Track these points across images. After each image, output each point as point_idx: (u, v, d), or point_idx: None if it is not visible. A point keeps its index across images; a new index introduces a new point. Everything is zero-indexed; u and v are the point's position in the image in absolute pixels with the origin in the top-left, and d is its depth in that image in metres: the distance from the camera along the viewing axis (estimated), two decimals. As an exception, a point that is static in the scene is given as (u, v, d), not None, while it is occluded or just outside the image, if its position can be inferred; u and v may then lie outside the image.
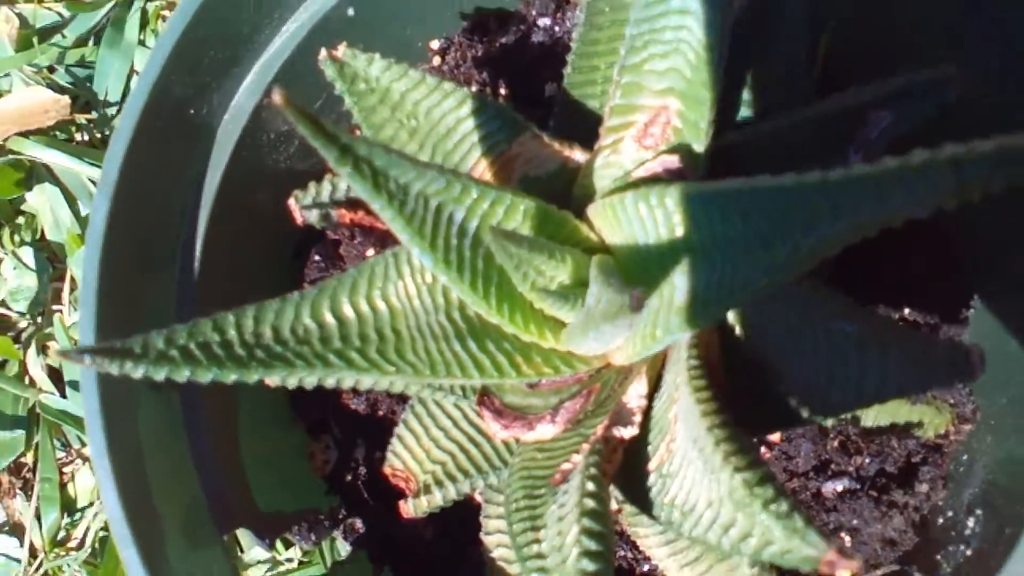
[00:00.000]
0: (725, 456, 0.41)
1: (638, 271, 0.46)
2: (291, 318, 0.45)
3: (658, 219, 0.43)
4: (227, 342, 0.43)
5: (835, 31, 0.56)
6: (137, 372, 0.40)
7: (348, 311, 0.46)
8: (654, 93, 0.46)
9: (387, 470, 0.58)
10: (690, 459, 0.45)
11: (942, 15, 0.51)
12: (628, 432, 0.48)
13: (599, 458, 0.45)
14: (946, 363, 0.40)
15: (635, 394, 0.50)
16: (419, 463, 0.57)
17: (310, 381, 0.53)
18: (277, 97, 0.37)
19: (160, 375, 0.41)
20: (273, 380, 0.43)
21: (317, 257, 0.63)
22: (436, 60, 0.65)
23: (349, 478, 0.62)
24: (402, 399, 0.63)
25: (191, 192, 0.55)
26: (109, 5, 0.88)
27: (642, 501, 0.47)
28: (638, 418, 0.48)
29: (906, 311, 0.56)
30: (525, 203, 0.46)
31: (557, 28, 0.62)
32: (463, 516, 0.60)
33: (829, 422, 0.57)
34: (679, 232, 0.41)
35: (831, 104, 0.47)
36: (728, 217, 0.39)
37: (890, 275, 0.57)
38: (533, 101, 0.62)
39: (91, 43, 0.88)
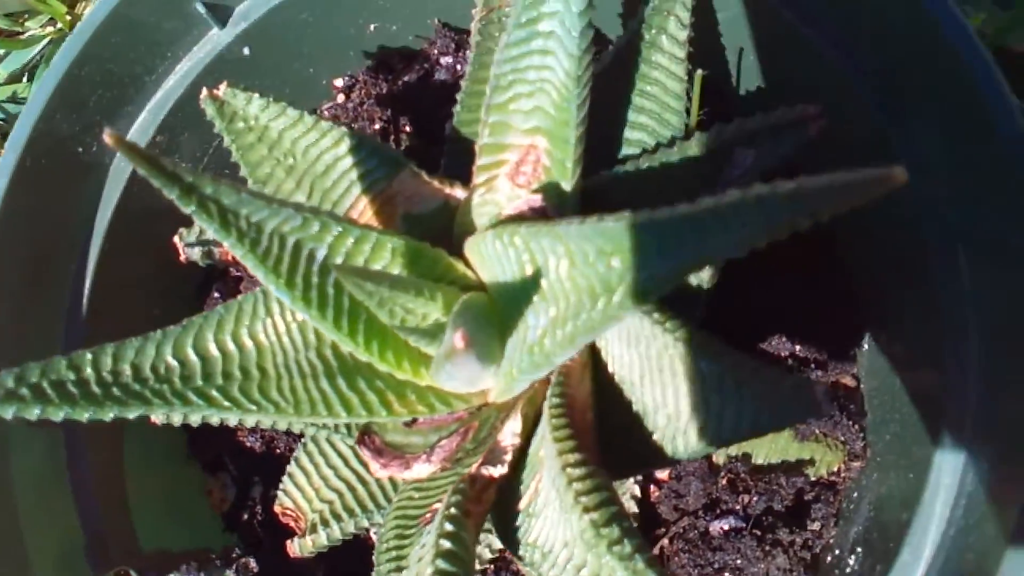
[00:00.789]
0: (576, 496, 0.41)
1: (506, 309, 0.46)
2: (152, 356, 0.45)
3: (511, 257, 0.43)
4: (82, 380, 0.43)
5: (712, 71, 0.57)
6: (-18, 410, 0.40)
7: (212, 349, 0.46)
8: (522, 132, 0.47)
9: (277, 508, 0.57)
10: (550, 499, 0.45)
11: (812, 60, 0.52)
12: (498, 471, 0.47)
13: (461, 497, 0.45)
14: (793, 399, 0.39)
15: (510, 432, 0.50)
16: (308, 502, 0.57)
17: (175, 419, 0.54)
18: (108, 137, 0.37)
19: (7, 413, 0.40)
20: (131, 417, 0.43)
21: (217, 295, 0.63)
22: (340, 98, 0.65)
23: (246, 516, 0.61)
24: (299, 437, 0.63)
25: (81, 230, 0.55)
26: (44, 42, 0.89)
27: (511, 541, 0.47)
28: (509, 457, 0.48)
29: (798, 348, 0.56)
30: (393, 241, 0.46)
31: (459, 66, 0.63)
32: (360, 557, 0.60)
33: (721, 459, 0.56)
34: (528, 270, 0.41)
35: (698, 143, 0.47)
36: (569, 256, 0.39)
37: (789, 309, 0.57)
38: (435, 138, 0.62)
39: (24, 79, 0.89)
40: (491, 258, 0.45)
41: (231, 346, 0.46)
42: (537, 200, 0.46)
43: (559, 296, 0.40)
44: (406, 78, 0.63)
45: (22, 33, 0.90)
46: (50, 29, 0.89)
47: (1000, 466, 0.44)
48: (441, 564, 0.42)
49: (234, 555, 0.59)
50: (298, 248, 0.44)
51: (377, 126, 0.63)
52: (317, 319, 0.44)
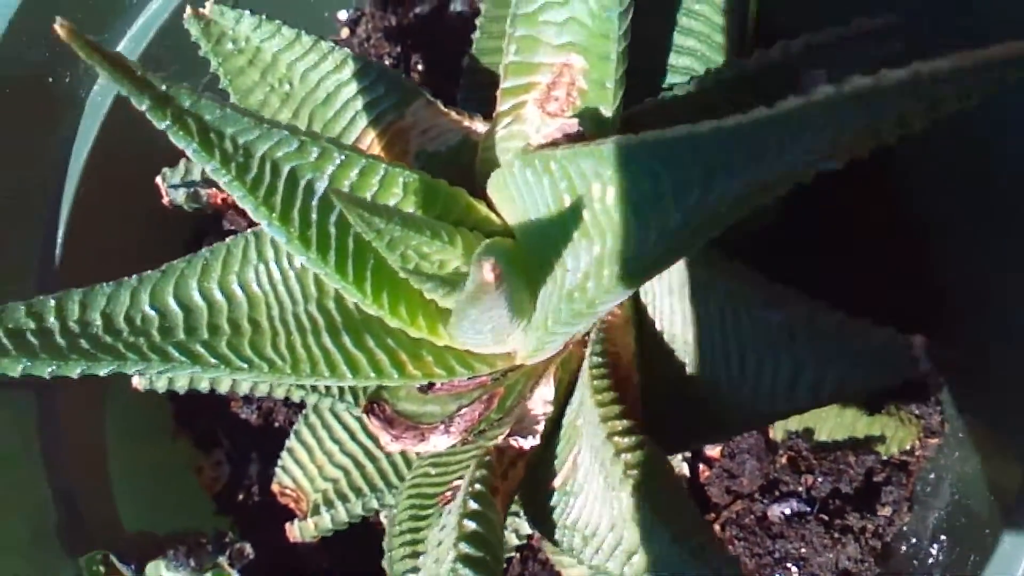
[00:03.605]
0: (625, 469, 0.34)
1: (536, 253, 0.39)
2: (126, 304, 0.39)
3: (545, 188, 0.36)
4: (44, 329, 0.37)
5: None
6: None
7: (196, 298, 0.40)
8: (554, 49, 0.40)
9: (275, 488, 0.51)
10: (592, 474, 0.38)
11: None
12: (528, 443, 0.41)
13: (488, 472, 0.38)
14: (886, 355, 0.33)
15: (540, 399, 0.43)
16: (310, 480, 0.50)
17: (165, 378, 0.47)
18: (59, 28, 0.31)
19: (-46, 367, 0.34)
20: (101, 373, 0.37)
21: (209, 249, 0.57)
22: (344, 32, 0.59)
23: (241, 497, 0.55)
24: (300, 408, 0.56)
25: (54, 172, 0.49)
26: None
27: (544, 524, 0.40)
28: (541, 427, 0.42)
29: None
30: (405, 175, 0.40)
31: (478, -5, 0.56)
32: (368, 542, 0.53)
33: (779, 435, 0.50)
34: (567, 201, 0.35)
35: (757, 61, 0.41)
36: (616, 179, 0.32)
37: (858, 280, 0.50)
38: (452, 77, 0.55)
39: None
40: (520, 192, 0.38)
41: (218, 295, 0.40)
42: (573, 125, 0.39)
43: (605, 230, 0.33)
44: (418, 10, 0.57)
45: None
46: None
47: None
48: (465, 548, 0.35)
49: (227, 540, 0.53)
50: (294, 178, 0.37)
51: (387, 63, 0.56)
52: (317, 262, 0.38)
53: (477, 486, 0.38)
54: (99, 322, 0.38)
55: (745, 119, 0.28)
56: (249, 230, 0.41)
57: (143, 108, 0.32)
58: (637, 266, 0.32)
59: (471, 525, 0.36)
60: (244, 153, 0.36)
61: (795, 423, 0.49)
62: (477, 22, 0.48)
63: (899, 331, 0.32)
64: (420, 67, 0.57)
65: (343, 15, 0.59)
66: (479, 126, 0.45)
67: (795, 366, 0.35)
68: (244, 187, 0.35)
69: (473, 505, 0.37)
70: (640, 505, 0.33)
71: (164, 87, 0.33)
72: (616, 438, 0.35)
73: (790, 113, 0.27)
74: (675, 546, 0.32)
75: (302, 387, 0.47)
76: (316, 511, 0.49)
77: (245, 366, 0.39)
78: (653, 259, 0.31)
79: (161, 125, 0.33)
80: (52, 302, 0.37)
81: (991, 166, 0.45)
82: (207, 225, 0.57)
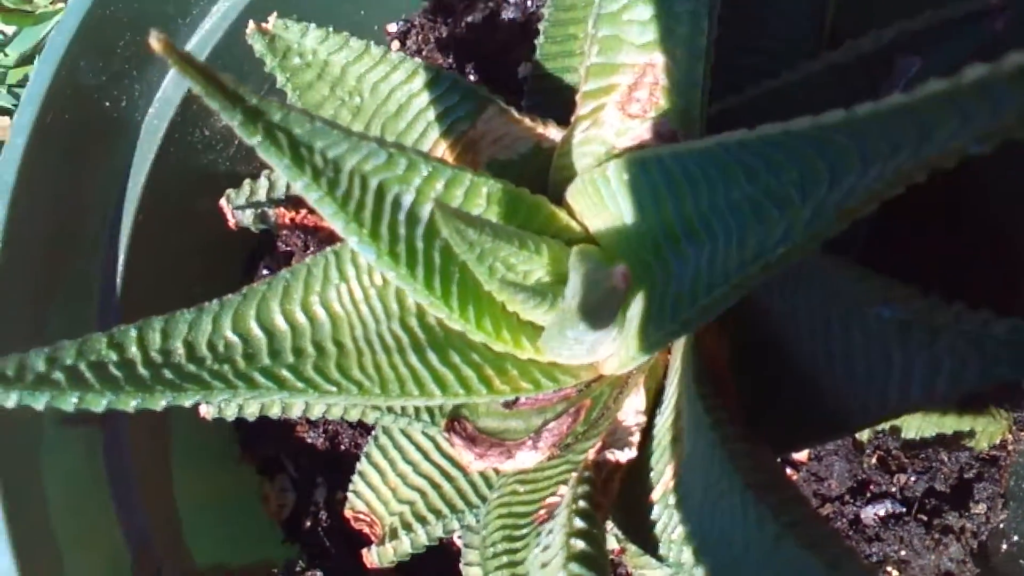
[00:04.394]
0: (746, 479, 0.33)
1: (627, 260, 0.38)
2: (208, 331, 0.37)
3: (644, 191, 0.35)
4: (127, 361, 0.35)
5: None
6: (9, 399, 0.32)
7: (280, 321, 0.39)
8: (637, 48, 0.39)
9: (348, 513, 0.50)
10: (695, 484, 0.37)
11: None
12: (625, 455, 0.40)
13: (590, 488, 0.37)
14: (1009, 348, 0.31)
15: (632, 409, 0.42)
16: (384, 503, 0.49)
17: (235, 406, 0.46)
18: (155, 41, 0.30)
19: (39, 403, 0.33)
20: (187, 404, 0.35)
21: (265, 271, 0.56)
22: (395, 45, 0.58)
23: (309, 524, 0.54)
24: (366, 430, 0.55)
25: (112, 197, 0.48)
26: (56, 19, 0.81)
27: (644, 539, 0.39)
28: (636, 438, 0.40)
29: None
30: (489, 184, 0.39)
31: (530, 2, 0.55)
32: (442, 565, 0.52)
33: (865, 435, 0.48)
34: (670, 204, 0.34)
35: (847, 53, 0.39)
36: (731, 177, 0.31)
37: (941, 260, 0.49)
38: (505, 86, 0.54)
39: (36, 61, 0.82)
40: (614, 196, 0.37)
41: (301, 317, 0.39)
42: (665, 124, 0.38)
43: (717, 230, 0.32)
44: (469, 19, 0.56)
45: (32, 11, 0.83)
46: (61, 5, 0.82)
47: None
48: (575, 569, 0.34)
49: (298, 568, 0.52)
50: (382, 192, 0.36)
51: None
52: (406, 279, 0.37)
53: (581, 503, 0.37)
54: (182, 350, 0.37)
55: (880, 106, 0.27)
56: (328, 249, 0.40)
57: (234, 123, 0.31)
58: (753, 267, 0.31)
59: (579, 544, 0.35)
60: (333, 168, 0.34)
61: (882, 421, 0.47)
62: (540, 27, 0.47)
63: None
64: (472, 77, 0.56)
65: (393, 27, 0.58)
66: (552, 132, 0.44)
67: (907, 363, 0.34)
68: (336, 203, 0.34)
69: (579, 523, 0.36)
70: (762, 517, 0.32)
71: (255, 100, 0.32)
72: (728, 445, 0.34)
73: (934, 96, 0.26)
74: (808, 558, 0.31)
75: (378, 408, 0.46)
76: (394, 535, 0.48)
77: (333, 389, 0.37)
78: (778, 258, 0.30)
79: (252, 141, 0.32)
80: (134, 332, 0.36)
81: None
82: (262, 247, 0.56)
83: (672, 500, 0.38)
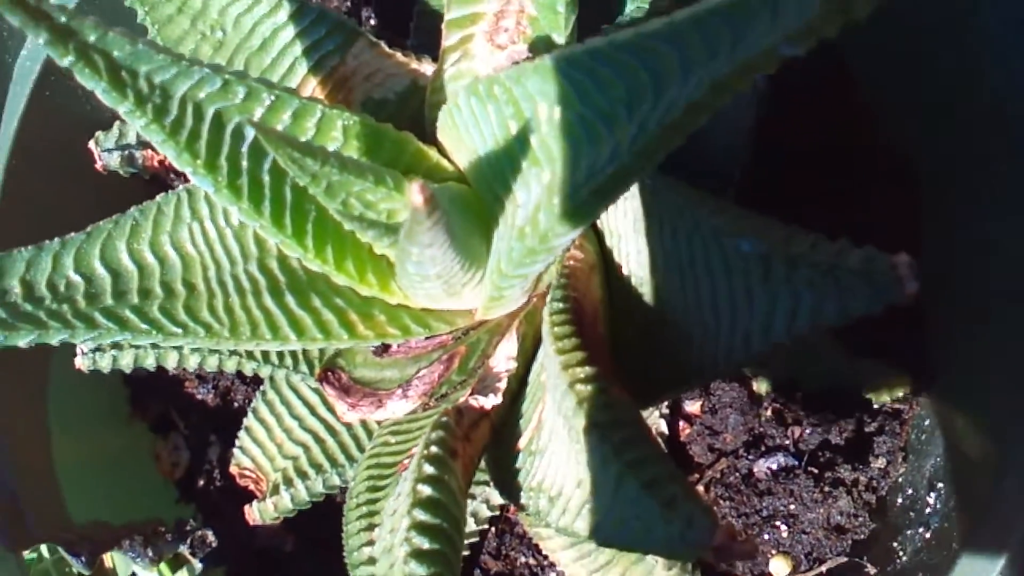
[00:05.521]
0: (589, 420, 0.31)
1: (488, 193, 0.36)
2: (47, 270, 0.36)
3: (491, 117, 0.33)
4: (-45, 299, 0.34)
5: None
6: None
7: (126, 260, 0.37)
8: (501, -27, 0.37)
9: (234, 469, 0.48)
10: (556, 430, 0.35)
11: None
12: (489, 401, 0.38)
13: (445, 434, 0.36)
14: (865, 277, 0.30)
15: (503, 355, 0.40)
16: (270, 459, 0.48)
17: (109, 357, 0.45)
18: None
19: None
20: (22, 344, 0.34)
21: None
22: (293, -13, 0.56)
23: (202, 482, 0.52)
24: (259, 385, 0.53)
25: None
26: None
27: (509, 488, 0.38)
28: (503, 384, 0.39)
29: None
30: (345, 117, 0.37)
31: (430, -58, 0.53)
32: (335, 521, 0.50)
33: (763, 387, 0.47)
34: (513, 128, 0.32)
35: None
36: (565, 97, 0.30)
37: (832, 195, 0.47)
38: (404, 29, 0.52)
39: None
40: (467, 127, 0.35)
41: (149, 257, 0.37)
42: (522, 52, 0.36)
43: (555, 154, 0.30)
44: (369, -41, 0.54)
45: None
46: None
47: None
48: (420, 515, 0.32)
49: (188, 527, 0.50)
50: (220, 121, 0.34)
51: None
52: (250, 213, 0.35)
53: (433, 448, 0.35)
54: (18, 289, 0.35)
55: (697, 10, 0.25)
56: (180, 186, 0.38)
57: (41, 41, 0.29)
58: (590, 191, 0.29)
59: (426, 490, 0.33)
60: (162, 94, 0.33)
61: (779, 373, 0.46)
62: (426, -37, 0.45)
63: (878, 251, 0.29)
64: (372, 22, 0.54)
65: (288, -31, 0.55)
66: (427, 68, 0.42)
67: (771, 300, 0.32)
68: (163, 131, 0.32)
69: (428, 469, 0.34)
70: (606, 457, 0.31)
71: (64, 19, 0.30)
72: (579, 386, 0.32)
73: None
74: (646, 498, 0.29)
75: (253, 358, 0.44)
76: (276, 491, 0.46)
77: (179, 331, 0.36)
78: (607, 181, 0.28)
79: (63, 62, 0.30)
80: (-36, 269, 0.34)
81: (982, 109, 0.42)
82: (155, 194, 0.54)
83: (534, 447, 0.37)
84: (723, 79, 0.25)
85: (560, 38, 0.37)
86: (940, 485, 0.41)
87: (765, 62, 0.24)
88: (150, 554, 0.48)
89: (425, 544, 0.32)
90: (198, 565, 0.50)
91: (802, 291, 0.31)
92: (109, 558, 0.60)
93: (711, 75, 0.25)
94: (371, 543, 0.36)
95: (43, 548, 0.58)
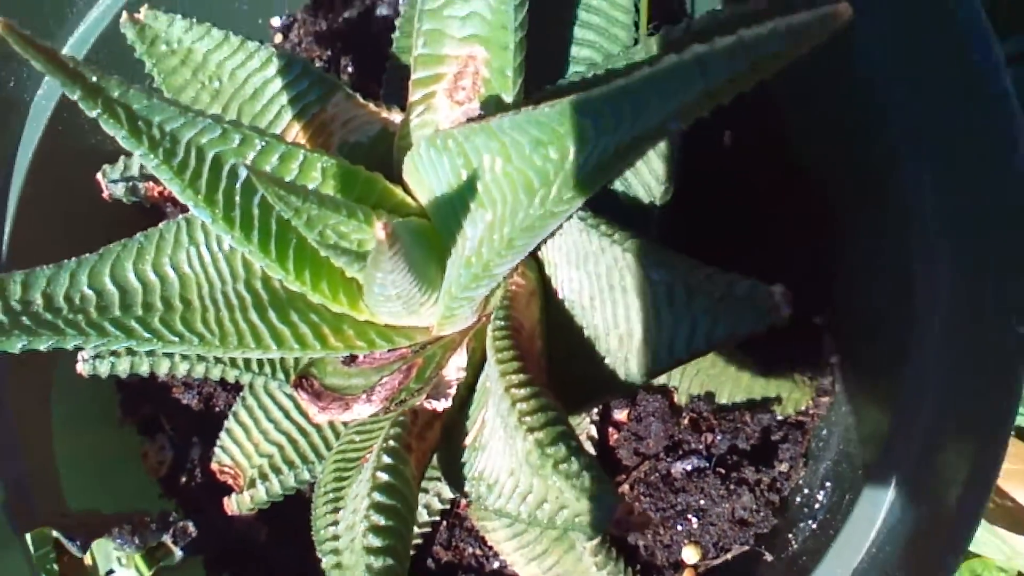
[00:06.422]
0: (520, 417, 0.38)
1: (444, 228, 0.43)
2: (65, 284, 0.42)
3: (446, 165, 0.40)
4: (-14, 308, 0.40)
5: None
6: None
7: (131, 278, 0.43)
8: (458, 41, 0.44)
9: (215, 466, 0.54)
10: (495, 428, 0.42)
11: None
12: (441, 405, 0.44)
13: (402, 430, 0.42)
14: (749, 303, 0.37)
15: (455, 366, 0.47)
16: (248, 457, 0.53)
17: (108, 363, 0.50)
18: (0, 27, 0.34)
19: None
20: (42, 348, 0.40)
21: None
22: (278, 38, 0.62)
23: (184, 480, 0.58)
24: (239, 392, 0.59)
25: (0, 172, 0.52)
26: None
27: (455, 479, 0.44)
28: (453, 390, 0.45)
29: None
30: (323, 160, 0.43)
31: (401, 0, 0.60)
32: (307, 514, 0.56)
33: (683, 399, 0.54)
34: (463, 175, 0.39)
35: (643, 48, 0.45)
36: (504, 152, 0.36)
37: (749, 233, 0.54)
38: (378, 76, 0.59)
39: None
40: (427, 172, 0.42)
41: (151, 276, 0.43)
42: (475, 109, 0.43)
43: (496, 198, 0.37)
44: (347, 15, 0.60)
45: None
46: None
47: (967, 393, 0.42)
48: (378, 497, 0.39)
49: (171, 519, 0.56)
50: (218, 163, 0.41)
51: (317, 66, 0.60)
52: (241, 241, 0.41)
53: (391, 442, 0.41)
54: (40, 301, 0.41)
55: (608, 88, 0.32)
56: (181, 216, 0.45)
57: (75, 97, 0.36)
58: (522, 229, 0.36)
59: (384, 476, 0.40)
60: (171, 140, 0.39)
61: (697, 387, 0.53)
62: (397, 22, 0.52)
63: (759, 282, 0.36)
64: (350, 69, 0.61)
65: (276, 22, 0.62)
66: (396, 116, 0.49)
67: (674, 322, 0.39)
68: (171, 170, 0.39)
69: (386, 459, 0.40)
70: (534, 450, 0.37)
71: (95, 78, 0.36)
72: (513, 390, 0.39)
73: (644, 79, 0.31)
74: (566, 485, 0.36)
75: (236, 366, 0.50)
76: (252, 485, 0.52)
77: (176, 339, 0.42)
78: (541, 219, 0.35)
79: (92, 113, 0.36)
80: (-5, 282, 0.40)
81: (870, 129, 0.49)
82: (151, 223, 0.60)
83: (477, 444, 0.43)
84: (626, 144, 0.32)
85: (508, 97, 0.44)
86: (828, 484, 0.48)
87: (679, 117, 0.31)
88: (136, 541, 0.54)
89: (382, 521, 0.38)
90: (179, 553, 0.56)
91: (699, 316, 0.38)
92: (89, 555, 0.65)
93: (616, 141, 0.32)
94: (336, 523, 0.42)
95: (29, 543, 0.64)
